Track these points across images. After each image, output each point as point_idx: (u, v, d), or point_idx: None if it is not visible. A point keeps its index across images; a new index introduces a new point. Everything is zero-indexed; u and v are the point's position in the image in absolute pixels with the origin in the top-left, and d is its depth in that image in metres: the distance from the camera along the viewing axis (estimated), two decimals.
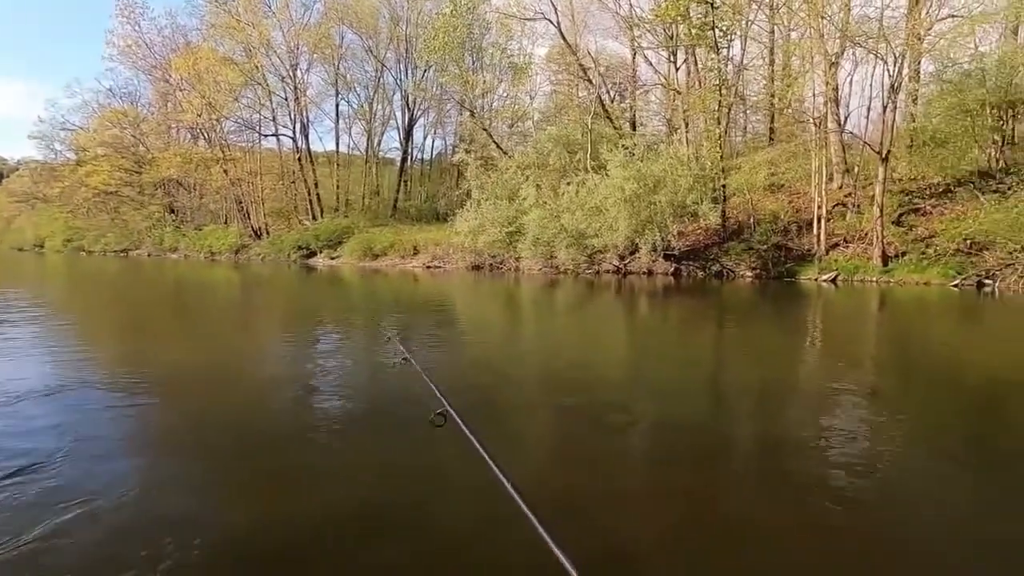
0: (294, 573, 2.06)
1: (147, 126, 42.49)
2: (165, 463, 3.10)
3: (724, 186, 18.72)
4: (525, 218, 20.12)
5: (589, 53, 26.63)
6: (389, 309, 11.45)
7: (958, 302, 11.79)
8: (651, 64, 26.31)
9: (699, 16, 19.13)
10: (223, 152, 36.55)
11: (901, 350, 7.43)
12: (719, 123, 19.40)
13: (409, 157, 37.95)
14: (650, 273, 18.19)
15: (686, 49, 22.65)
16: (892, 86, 16.21)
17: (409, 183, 38.04)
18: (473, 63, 29.54)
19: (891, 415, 4.05)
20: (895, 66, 16.09)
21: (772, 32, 22.50)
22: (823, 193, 16.85)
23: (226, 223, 39.25)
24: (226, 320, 10.06)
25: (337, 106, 37.61)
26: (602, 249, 18.70)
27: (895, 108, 16.63)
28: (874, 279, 15.22)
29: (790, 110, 22.50)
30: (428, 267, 23.54)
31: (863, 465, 3.03)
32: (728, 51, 20.78)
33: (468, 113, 29.69)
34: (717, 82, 19.44)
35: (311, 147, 36.60)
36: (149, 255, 39.28)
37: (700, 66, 22.16)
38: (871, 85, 19.92)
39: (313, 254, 30.24)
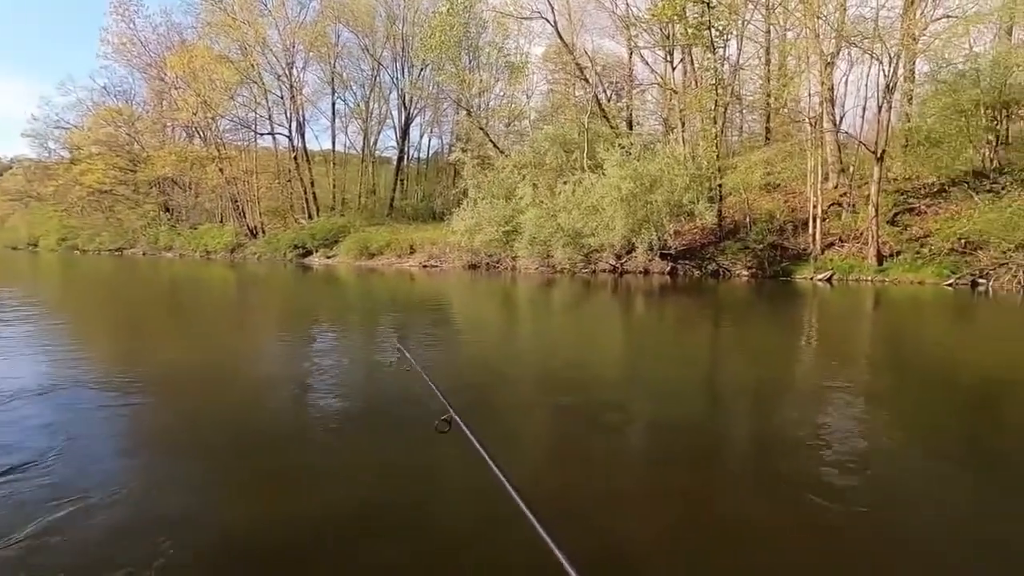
0: (294, 573, 2.05)
1: (142, 124, 42.26)
2: (160, 462, 3.08)
3: (720, 185, 18.77)
4: (522, 217, 20.11)
5: (586, 52, 26.66)
6: (386, 308, 11.43)
7: (952, 301, 11.85)
8: (647, 63, 26.38)
9: (695, 16, 19.17)
10: (219, 151, 36.40)
11: (896, 349, 7.46)
12: (715, 122, 19.44)
13: (405, 156, 37.91)
14: (646, 272, 18.21)
15: (682, 48, 22.69)
16: (887, 86, 16.29)
17: (405, 182, 37.98)
18: (470, 62, 29.52)
19: (886, 414, 4.06)
20: (890, 66, 16.17)
21: (768, 32, 22.55)
22: (819, 193, 16.90)
23: (222, 222, 39.11)
24: (221, 319, 10.02)
25: (333, 105, 37.56)
26: (598, 248, 18.71)
27: (890, 108, 16.71)
28: (869, 278, 15.28)
29: (786, 110, 22.57)
30: (424, 266, 23.51)
31: (859, 464, 3.04)
32: (724, 51, 20.84)
33: (465, 112, 29.67)
34: (713, 82, 19.47)
35: (307, 146, 36.57)
36: (144, 254, 39.09)
37: (696, 66, 22.20)
38: (866, 85, 19.99)
39: (309, 253, 30.16)
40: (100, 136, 41.47)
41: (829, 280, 15.70)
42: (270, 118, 35.87)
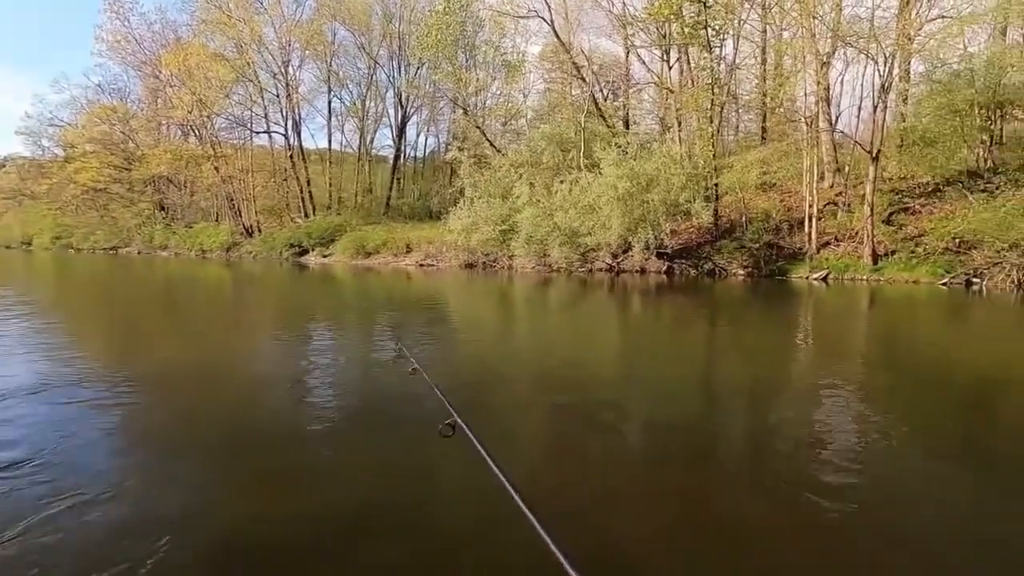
0: (294, 573, 2.05)
1: (137, 122, 42.01)
2: (156, 461, 3.07)
3: (716, 185, 18.81)
4: (518, 216, 20.11)
5: (582, 51, 26.66)
6: (383, 307, 11.41)
7: (947, 300, 11.91)
8: (644, 63, 26.38)
9: (692, 15, 19.19)
10: (214, 149, 36.26)
11: (891, 348, 7.50)
12: (712, 122, 19.48)
13: (402, 155, 37.85)
14: (643, 271, 18.24)
15: (679, 48, 22.71)
16: (883, 86, 16.35)
17: (402, 181, 37.93)
18: (466, 60, 29.47)
19: (882, 413, 4.08)
20: (886, 66, 16.23)
21: (764, 31, 22.60)
22: (814, 192, 16.96)
23: (217, 221, 38.97)
24: (217, 318, 9.99)
25: (329, 103, 37.45)
26: (595, 247, 18.73)
27: (885, 108, 16.77)
28: (864, 277, 15.35)
29: (782, 109, 22.62)
30: (421, 265, 23.48)
31: (856, 463, 3.05)
32: (721, 50, 20.88)
33: (461, 111, 29.64)
34: (710, 81, 19.51)
35: (303, 144, 36.47)
36: (139, 253, 38.92)
37: (693, 65, 22.23)
38: (862, 85, 20.11)
39: (305, 252, 30.08)
40: (94, 134, 41.23)
41: (825, 279, 15.76)
42: (266, 116, 35.78)
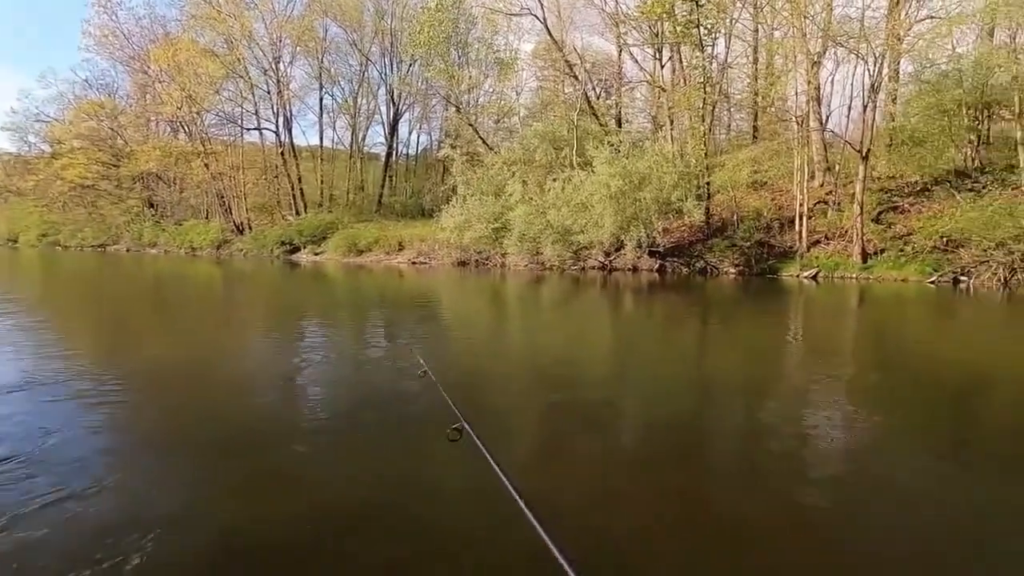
0: (294, 572, 2.03)
1: (125, 118, 41.51)
2: (149, 460, 3.04)
3: (708, 183, 18.89)
4: (511, 214, 20.09)
5: (575, 49, 26.66)
6: (375, 305, 11.37)
7: (934, 299, 12.04)
8: (637, 61, 26.44)
9: (684, 14, 19.23)
10: (204, 146, 35.89)
11: (881, 346, 7.57)
12: (704, 121, 19.54)
13: (394, 152, 37.68)
14: (635, 269, 18.30)
15: (671, 47, 22.77)
16: (872, 86, 16.48)
17: (394, 178, 37.76)
18: (459, 58, 29.36)
19: (874, 411, 4.12)
20: (875, 66, 16.35)
21: (756, 31, 22.71)
22: (805, 191, 17.08)
23: (207, 218, 38.62)
24: (208, 316, 9.91)
25: (321, 100, 37.20)
26: (588, 245, 18.76)
27: (875, 107, 16.91)
28: (854, 276, 15.48)
29: (773, 108, 22.75)
30: (413, 263, 23.41)
31: (851, 462, 3.09)
32: (712, 49, 20.95)
33: (454, 108, 29.55)
34: (702, 80, 19.56)
35: (294, 141, 36.14)
36: (128, 250, 38.51)
37: (685, 64, 22.29)
38: (852, 85, 20.34)
39: (296, 250, 29.90)
40: (82, 130, 40.70)
41: (815, 277, 15.88)
42: (256, 113, 35.47)
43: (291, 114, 35.85)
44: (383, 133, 37.59)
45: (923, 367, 5.89)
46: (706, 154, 19.31)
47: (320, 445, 3.26)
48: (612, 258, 18.87)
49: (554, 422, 3.84)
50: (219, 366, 5.52)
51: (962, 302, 11.61)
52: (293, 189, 34.49)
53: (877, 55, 16.22)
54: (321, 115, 37.47)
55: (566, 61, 25.40)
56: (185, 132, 38.16)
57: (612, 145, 19.05)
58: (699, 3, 18.63)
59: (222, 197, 36.67)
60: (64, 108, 43.14)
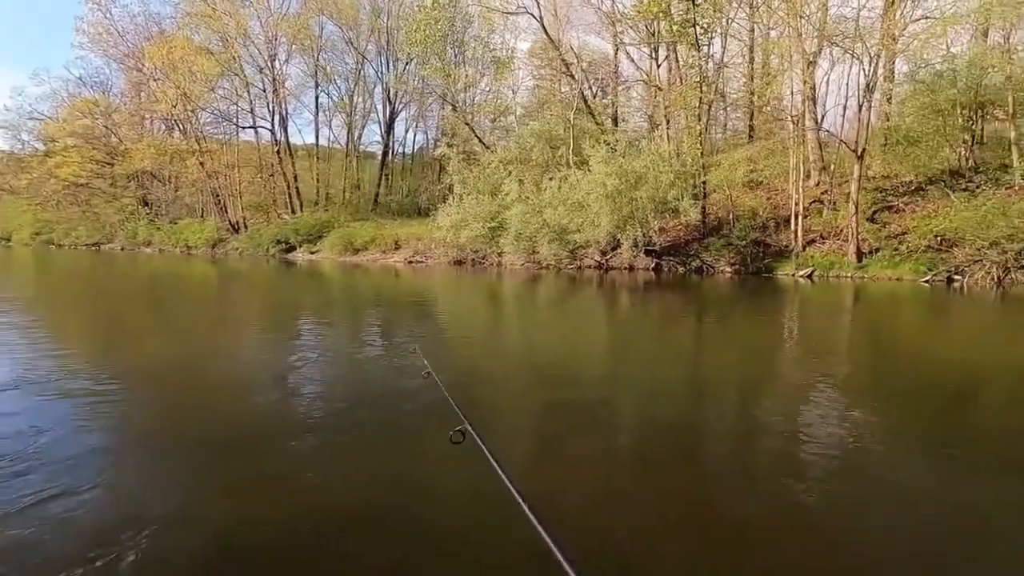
0: (294, 572, 2.02)
1: (119, 116, 41.31)
2: (139, 459, 3.03)
3: (704, 182, 18.93)
4: (507, 213, 20.09)
5: (572, 48, 26.65)
6: (371, 304, 11.35)
7: (928, 298, 12.10)
8: (633, 60, 26.48)
9: (680, 13, 19.27)
10: (199, 144, 35.75)
11: (876, 345, 7.61)
12: (699, 120, 19.58)
13: (390, 151, 37.60)
14: (631, 268, 18.32)
15: (667, 46, 22.81)
16: (868, 85, 16.53)
17: (390, 177, 37.69)
18: (455, 57, 29.33)
19: (872, 411, 4.14)
20: (870, 66, 16.41)
21: (752, 30, 22.76)
22: (800, 190, 17.13)
23: (202, 217, 38.47)
24: (203, 316, 9.87)
25: (317, 98, 37.06)
26: (584, 244, 18.77)
27: (870, 107, 16.97)
28: (849, 275, 15.54)
29: (769, 108, 22.83)
30: (410, 262, 23.38)
31: (850, 461, 3.09)
32: (709, 48, 21.00)
33: (450, 107, 29.52)
34: (698, 79, 19.60)
35: (290, 140, 36.07)
36: (122, 249, 38.32)
37: (681, 63, 22.33)
38: (847, 84, 20.42)
39: (292, 248, 29.81)
40: (76, 128, 40.47)
41: (810, 276, 15.94)
42: (252, 111, 35.38)
43: (287, 112, 35.80)
44: (379, 132, 37.58)
45: (919, 366, 5.92)
46: (702, 153, 19.35)
47: (317, 445, 3.24)
48: (608, 257, 18.89)
49: (554, 422, 3.84)
50: (214, 365, 5.50)
51: (956, 301, 11.68)
52: (289, 188, 34.39)
53: (872, 55, 16.28)
54: (317, 113, 37.40)
55: (562, 60, 25.40)
56: (180, 130, 38.01)
57: (608, 144, 19.07)
58: (695, 2, 18.67)
59: (217, 196, 36.53)
60: (58, 106, 42.94)
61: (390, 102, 36.19)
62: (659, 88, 23.44)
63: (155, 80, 35.85)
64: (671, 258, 18.49)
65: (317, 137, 38.00)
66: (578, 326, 9.01)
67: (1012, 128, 16.05)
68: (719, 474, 3.00)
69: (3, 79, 74.44)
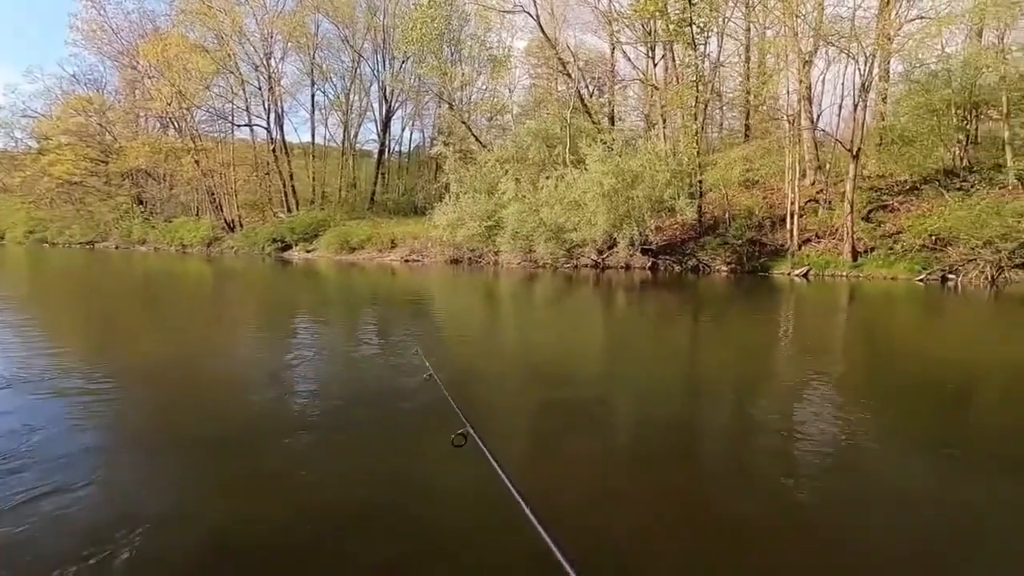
0: (294, 572, 2.02)
1: (114, 114, 41.05)
2: (135, 458, 3.01)
3: (700, 182, 18.96)
4: (504, 212, 20.08)
5: (568, 47, 26.63)
6: (368, 303, 11.33)
7: (923, 297, 12.16)
8: (630, 59, 26.49)
9: (677, 12, 19.28)
10: (194, 142, 35.57)
11: (874, 345, 7.64)
12: (696, 119, 19.61)
13: (387, 149, 37.51)
14: (627, 267, 18.34)
15: (664, 45, 22.82)
16: (863, 85, 16.59)
17: (387, 176, 37.60)
18: (452, 55, 29.27)
19: (869, 410, 4.15)
20: (866, 65, 16.48)
21: (748, 30, 22.80)
22: (796, 189, 17.19)
23: (197, 215, 38.27)
24: (198, 314, 9.83)
25: (313, 97, 36.97)
26: (580, 243, 18.78)
27: (865, 107, 17.05)
28: (844, 274, 15.60)
29: (765, 107, 22.88)
30: (406, 261, 23.34)
31: (848, 460, 3.10)
32: (705, 48, 21.03)
33: (447, 105, 29.45)
34: (694, 78, 19.62)
35: (286, 138, 35.91)
36: (117, 247, 38.11)
37: (678, 62, 22.35)
38: (843, 84, 20.51)
39: (288, 247, 29.72)
40: (70, 126, 40.19)
41: (806, 275, 15.99)
42: (247, 109, 35.20)
43: (282, 111, 35.69)
44: (375, 130, 37.47)
45: (914, 365, 5.94)
46: (698, 152, 19.38)
47: (313, 443, 3.23)
48: (605, 256, 18.91)
49: (551, 421, 3.85)
50: (209, 364, 5.48)
51: (950, 300, 11.74)
52: (285, 186, 34.28)
53: (867, 55, 16.35)
54: (313, 112, 37.31)
55: (559, 59, 25.38)
56: (175, 128, 37.80)
57: (605, 143, 19.08)
58: (692, 2, 18.69)
59: (213, 194, 36.36)
60: (51, 103, 42.67)
61: (386, 100, 36.13)
62: (655, 87, 23.47)
63: (150, 78, 35.66)
64: (667, 257, 18.52)
65: (313, 135, 37.95)
66: (575, 325, 9.02)
67: (1006, 128, 16.13)
68: (716, 473, 3.01)
69: (3, 79, 73.98)
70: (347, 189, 36.55)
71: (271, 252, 29.79)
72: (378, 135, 36.91)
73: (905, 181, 17.48)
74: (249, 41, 33.43)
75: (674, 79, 22.53)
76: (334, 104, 37.67)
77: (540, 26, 24.82)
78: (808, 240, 17.20)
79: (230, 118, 36.17)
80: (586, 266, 18.93)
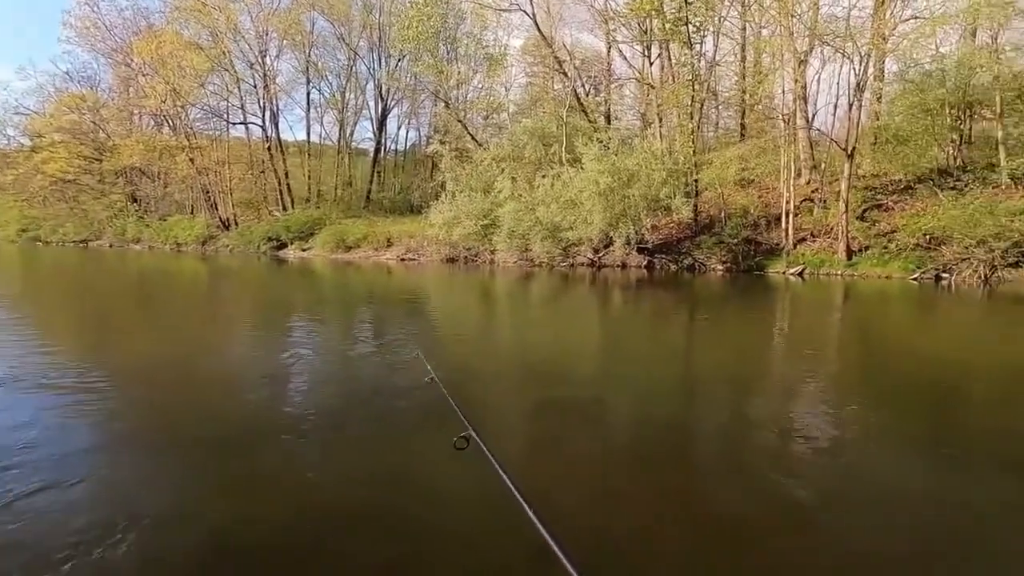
0: (294, 572, 2.02)
1: (107, 112, 40.78)
2: (136, 459, 2.99)
3: (696, 180, 19.00)
4: (500, 211, 20.06)
5: (564, 46, 26.63)
6: (364, 302, 11.31)
7: (917, 295, 12.23)
8: (626, 58, 26.51)
9: (673, 11, 19.29)
10: (188, 140, 35.38)
11: (870, 344, 7.69)
12: (692, 118, 19.64)
13: (383, 148, 37.42)
14: (624, 266, 18.37)
15: (660, 44, 22.84)
16: (858, 84, 16.65)
17: (383, 174, 37.51)
18: (448, 53, 29.23)
19: (868, 409, 4.17)
20: (861, 65, 16.53)
21: (744, 29, 22.86)
22: (791, 188, 17.24)
23: (192, 213, 38.07)
24: (193, 313, 9.79)
25: (308, 95, 36.82)
26: (577, 242, 18.80)
27: (860, 106, 17.09)
28: (839, 272, 15.68)
29: (760, 106, 22.93)
30: (402, 259, 23.31)
31: (847, 459, 3.12)
32: (701, 47, 21.06)
33: (443, 104, 29.40)
34: (690, 77, 19.65)
35: (281, 136, 35.80)
36: (111, 246, 37.89)
37: (674, 61, 22.38)
38: (838, 83, 20.45)
39: (284, 246, 29.62)
40: (63, 123, 39.91)
41: (801, 274, 16.06)
42: (242, 107, 35.02)
43: (278, 109, 35.53)
44: (371, 128, 37.37)
45: (909, 364, 5.98)
46: (694, 151, 19.42)
47: (311, 443, 3.23)
48: (601, 255, 18.93)
49: (548, 420, 3.85)
50: (205, 363, 5.46)
51: (944, 299, 11.81)
52: (280, 185, 34.14)
53: (862, 54, 16.40)
54: (308, 110, 37.17)
55: (555, 57, 25.37)
56: (169, 126, 37.58)
57: (601, 142, 19.09)
58: (687, 0, 18.70)
59: (207, 192, 36.19)
60: (44, 101, 42.35)
61: (382, 99, 36.03)
62: (652, 86, 23.49)
63: (144, 75, 35.43)
64: (663, 256, 18.56)
65: (308, 134, 37.82)
66: (571, 324, 9.03)
67: (999, 128, 16.23)
68: (716, 472, 3.02)
69: (3, 79, 73.51)
70: (343, 188, 36.44)
71: (266, 251, 29.69)
72: (374, 133, 36.85)
73: (899, 180, 17.56)
74: (244, 38, 33.28)
75: (670, 78, 22.57)
76: (330, 102, 37.57)
77: (536, 24, 24.81)
78: (803, 239, 17.27)
79: (225, 116, 36.01)
80: (582, 265, 18.95)
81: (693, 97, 19.42)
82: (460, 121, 27.76)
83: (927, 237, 14.91)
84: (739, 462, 3.14)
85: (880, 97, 18.75)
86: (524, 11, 24.45)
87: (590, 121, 23.57)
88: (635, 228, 17.99)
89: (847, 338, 8.02)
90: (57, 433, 3.23)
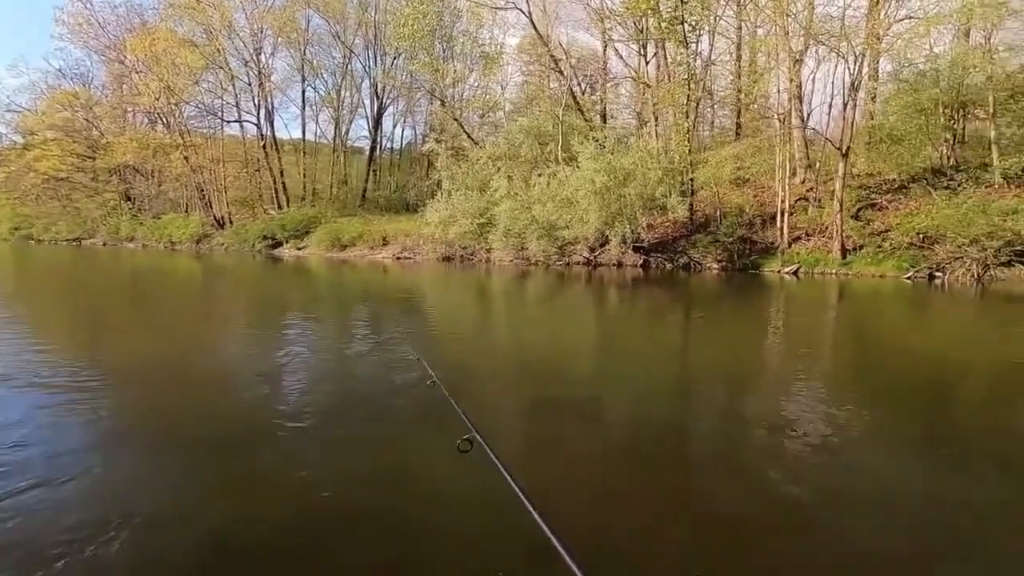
0: (293, 571, 2.01)
1: (101, 109, 40.52)
2: (134, 459, 2.98)
3: (692, 179, 19.04)
4: (496, 209, 20.04)
5: (560, 44, 26.63)
6: (359, 301, 11.29)
7: (911, 294, 12.30)
8: (622, 57, 26.52)
9: (669, 10, 19.32)
10: (183, 138, 35.19)
11: (864, 343, 7.72)
12: (687, 117, 19.68)
13: (378, 146, 37.32)
14: (619, 265, 18.40)
15: (656, 43, 22.88)
16: (852, 84, 16.72)
17: (378, 172, 37.42)
18: (443, 51, 29.16)
19: (866, 409, 4.19)
20: (855, 65, 16.60)
21: (739, 28, 22.90)
22: (786, 187, 17.30)
23: (187, 212, 37.87)
24: (188, 312, 9.74)
25: (303, 93, 36.64)
26: (573, 241, 18.80)
27: (855, 106, 17.16)
28: (833, 271, 15.74)
29: (756, 106, 23.01)
30: (398, 258, 23.26)
31: (846, 458, 3.13)
32: (697, 46, 21.08)
33: (438, 102, 29.35)
34: (686, 76, 19.69)
35: (276, 134, 35.64)
36: (104, 244, 37.66)
37: (669, 60, 22.41)
38: (833, 83, 20.61)
39: (279, 244, 29.51)
40: (55, 121, 39.63)
41: (795, 273, 16.12)
42: (237, 105, 34.87)
43: (273, 107, 35.37)
44: (367, 127, 37.29)
45: (903, 363, 6.02)
46: (690, 150, 19.46)
47: (310, 442, 3.21)
48: (597, 254, 18.95)
49: (548, 420, 3.85)
50: (199, 361, 5.44)
51: (938, 298, 11.88)
52: (275, 183, 34.01)
53: (857, 54, 16.47)
54: (303, 108, 36.99)
55: (551, 56, 25.36)
56: (163, 124, 37.36)
57: (597, 141, 19.09)
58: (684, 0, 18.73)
59: (202, 190, 36.02)
60: (37, 98, 42.09)
61: (378, 97, 35.92)
62: (647, 85, 23.51)
63: (137, 73, 35.21)
64: (659, 255, 18.59)
65: (304, 132, 37.65)
66: (567, 323, 9.04)
67: (992, 127, 16.33)
68: (715, 472, 3.03)
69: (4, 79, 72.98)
70: (338, 186, 36.33)
71: (261, 249, 29.57)
72: (369, 132, 36.75)
73: (894, 180, 17.65)
74: (239, 36, 33.12)
75: (666, 77, 22.61)
76: (325, 100, 37.41)
77: (532, 23, 24.78)
78: (798, 238, 17.33)
79: (219, 114, 35.82)
80: (578, 263, 18.96)
81: (689, 96, 19.46)
82: (456, 119, 27.71)
83: (921, 236, 15.00)
84: (738, 462, 3.15)
85: (875, 96, 18.84)
86: (520, 9, 24.43)
87: (586, 120, 23.58)
88: (631, 227, 18.01)
89: (842, 337, 8.06)
90: (49, 431, 3.21)
